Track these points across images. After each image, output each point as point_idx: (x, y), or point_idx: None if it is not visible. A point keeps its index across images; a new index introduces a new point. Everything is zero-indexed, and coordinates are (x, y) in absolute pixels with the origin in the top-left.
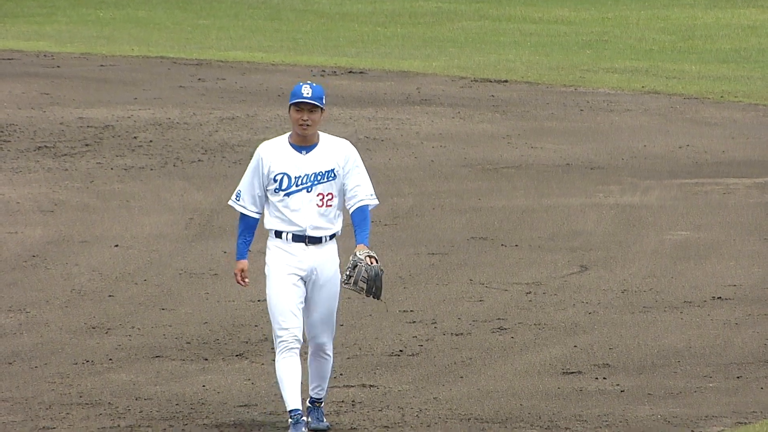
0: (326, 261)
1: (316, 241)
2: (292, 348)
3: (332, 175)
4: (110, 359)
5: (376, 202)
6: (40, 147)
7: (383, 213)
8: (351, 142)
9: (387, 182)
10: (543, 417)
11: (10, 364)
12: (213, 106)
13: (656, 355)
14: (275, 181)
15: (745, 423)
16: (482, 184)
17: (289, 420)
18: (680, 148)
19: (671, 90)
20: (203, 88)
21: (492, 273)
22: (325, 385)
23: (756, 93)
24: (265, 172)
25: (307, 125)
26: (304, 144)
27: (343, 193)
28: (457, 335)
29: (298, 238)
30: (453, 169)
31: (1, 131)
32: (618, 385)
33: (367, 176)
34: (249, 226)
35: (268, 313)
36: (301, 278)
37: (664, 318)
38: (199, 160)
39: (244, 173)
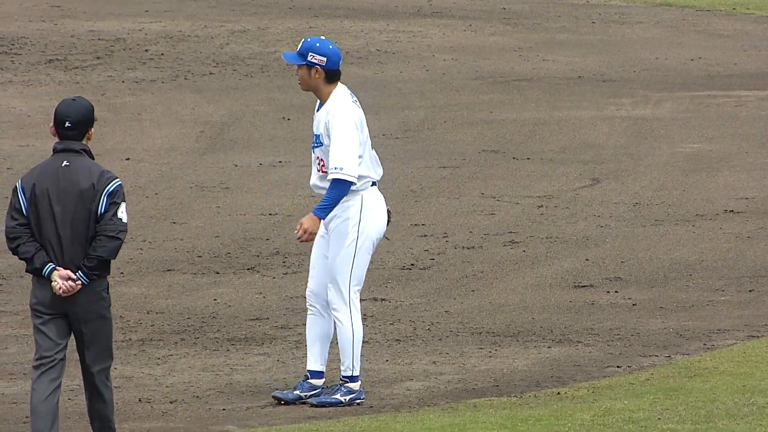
0: (333, 219)
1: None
2: (309, 305)
3: (319, 141)
4: (121, 273)
5: (340, 176)
6: (50, 60)
7: (394, 126)
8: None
9: (398, 95)
10: (554, 330)
11: (22, 277)
12: (224, 18)
13: (668, 268)
14: None
15: (758, 336)
16: (493, 96)
17: None
18: (692, 60)
19: (683, 2)
20: (214, 0)
21: (503, 186)
22: (344, 360)
23: None
24: None
25: (298, 83)
26: (320, 101)
27: None
28: (468, 249)
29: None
30: (464, 82)
31: (12, 44)
32: (630, 298)
33: (341, 146)
34: None
35: (278, 227)
36: (323, 235)
37: (675, 231)
38: (210, 73)
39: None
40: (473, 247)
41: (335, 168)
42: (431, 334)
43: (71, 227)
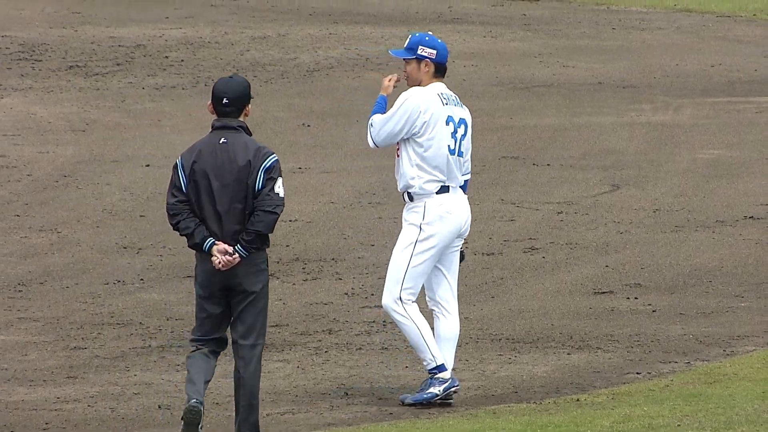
0: (404, 219)
1: (403, 199)
2: (431, 309)
3: None
4: (141, 279)
5: (368, 128)
6: (71, 66)
7: None
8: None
9: None
10: (574, 336)
11: (42, 284)
12: (244, 25)
13: (688, 274)
14: None
15: None
16: (514, 102)
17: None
18: (712, 66)
19: (704, 8)
20: (235, 6)
21: (523, 192)
22: (423, 356)
23: None
24: None
25: (405, 78)
26: None
27: (412, 149)
28: (488, 255)
29: None
30: (484, 88)
31: (33, 50)
32: (650, 304)
33: (387, 114)
34: None
35: (298, 233)
36: None
37: (695, 237)
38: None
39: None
40: (493, 254)
41: (372, 123)
42: None
43: (229, 202)
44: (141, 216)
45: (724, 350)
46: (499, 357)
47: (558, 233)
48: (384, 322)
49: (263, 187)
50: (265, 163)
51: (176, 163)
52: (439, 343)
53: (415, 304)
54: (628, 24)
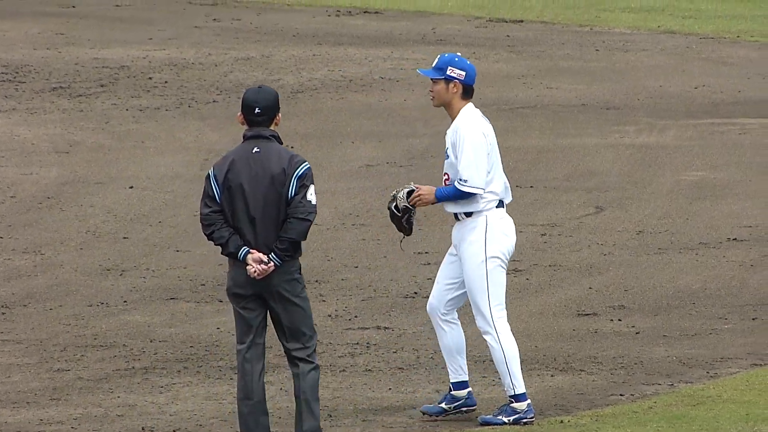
0: (463, 239)
1: (456, 216)
2: (430, 318)
3: (446, 155)
4: (125, 301)
5: (464, 188)
6: (55, 88)
7: (399, 154)
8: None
9: (402, 123)
10: (558, 359)
11: (25, 306)
12: (228, 46)
13: (672, 296)
14: None
15: (761, 364)
16: (497, 124)
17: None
18: (696, 88)
19: (687, 29)
20: (218, 28)
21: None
22: (503, 380)
23: None
24: None
25: (431, 98)
26: (451, 117)
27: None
28: None
29: None
30: None
31: (17, 72)
32: (633, 326)
33: (468, 159)
34: None
35: None
36: (452, 254)
37: (679, 259)
38: (214, 101)
39: None
40: None
41: (461, 180)
42: (434, 362)
43: (263, 211)
44: (124, 238)
45: (708, 372)
46: (483, 379)
47: (542, 255)
48: (367, 344)
49: (296, 194)
50: (298, 170)
51: (208, 173)
52: (458, 353)
53: (505, 320)
54: (612, 45)
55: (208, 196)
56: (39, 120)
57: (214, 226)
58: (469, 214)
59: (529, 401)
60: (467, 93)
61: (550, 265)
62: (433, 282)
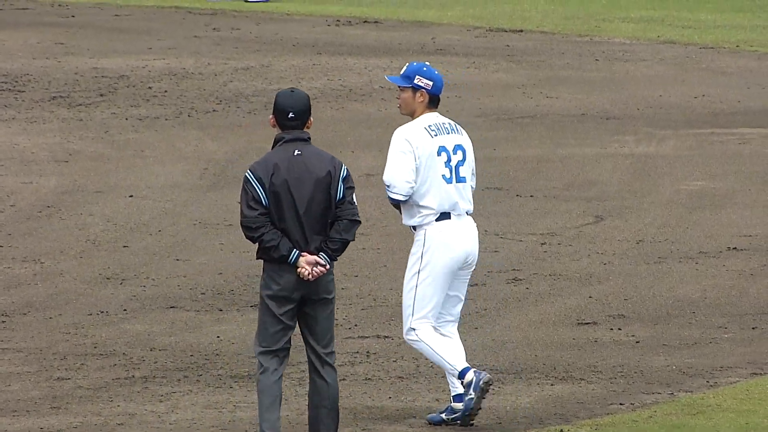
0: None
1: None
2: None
3: None
4: (125, 310)
5: (389, 193)
6: (54, 97)
7: None
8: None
9: None
10: (558, 368)
11: (25, 314)
12: (227, 56)
13: (671, 305)
14: None
15: (761, 374)
16: (497, 133)
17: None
18: (696, 97)
19: (687, 39)
20: (218, 37)
21: (507, 223)
22: (444, 367)
23: None
24: None
25: (398, 105)
26: None
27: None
28: (471, 286)
29: None
30: (468, 119)
31: (16, 81)
32: (633, 335)
33: (388, 165)
34: None
35: None
36: None
37: (679, 268)
38: (213, 110)
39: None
40: (476, 284)
41: (385, 184)
42: (434, 371)
43: (311, 213)
44: (124, 246)
45: (708, 381)
46: None
47: (541, 264)
48: (367, 352)
49: (344, 196)
50: (342, 172)
51: (248, 177)
52: (451, 356)
53: (426, 324)
54: (612, 55)
55: (253, 199)
56: (38, 129)
57: (264, 228)
58: (414, 228)
59: (472, 369)
60: (433, 102)
61: (549, 274)
62: None
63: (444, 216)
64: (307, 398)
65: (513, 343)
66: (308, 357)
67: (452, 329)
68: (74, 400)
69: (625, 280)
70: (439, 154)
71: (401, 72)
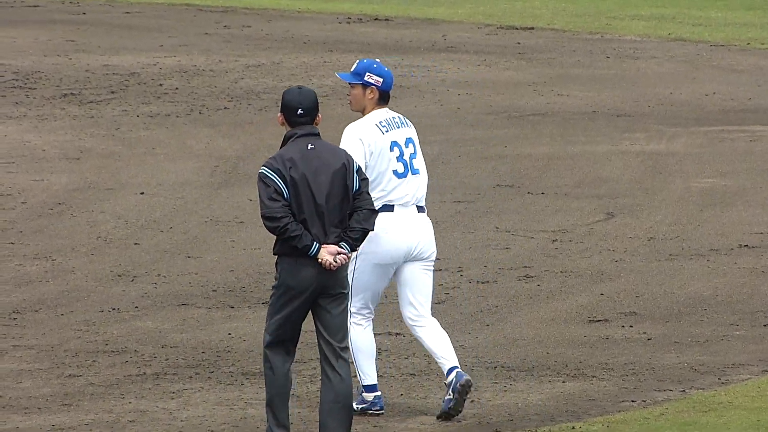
0: None
1: None
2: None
3: None
4: (136, 307)
5: None
6: (65, 94)
7: None
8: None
9: None
10: (569, 365)
11: (36, 311)
12: (238, 53)
13: (682, 303)
14: None
15: None
16: (508, 131)
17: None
18: (706, 95)
19: (697, 37)
20: (229, 35)
21: (518, 220)
22: (356, 370)
23: None
24: None
25: (349, 102)
26: None
27: None
28: (483, 283)
29: None
30: (479, 117)
31: (27, 79)
32: (644, 333)
33: None
34: None
35: None
36: None
37: (690, 266)
38: (224, 108)
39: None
40: (488, 282)
41: None
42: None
43: (329, 206)
44: (135, 244)
45: (719, 379)
46: (494, 385)
47: (553, 261)
48: (379, 350)
49: (360, 187)
50: (354, 164)
51: (265, 173)
52: (433, 350)
53: (360, 326)
54: (622, 53)
55: (275, 191)
56: (49, 126)
57: (287, 218)
58: None
59: (377, 393)
60: (383, 99)
61: (561, 272)
62: (444, 289)
63: (386, 208)
64: (318, 395)
65: (524, 340)
66: (321, 352)
67: (426, 322)
68: (85, 397)
69: (636, 278)
70: (391, 149)
71: (351, 69)
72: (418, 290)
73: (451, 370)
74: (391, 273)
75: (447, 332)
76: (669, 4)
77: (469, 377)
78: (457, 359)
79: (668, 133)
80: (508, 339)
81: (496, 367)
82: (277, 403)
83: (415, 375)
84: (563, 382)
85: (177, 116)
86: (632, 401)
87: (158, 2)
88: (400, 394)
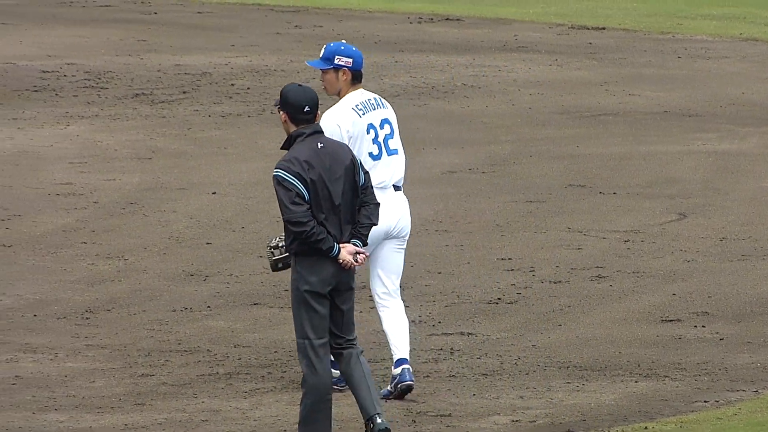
0: None
1: None
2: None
3: None
4: (208, 306)
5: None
6: (137, 94)
7: (480, 160)
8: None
9: (484, 129)
10: (642, 365)
11: (109, 311)
12: (309, 53)
13: (755, 303)
14: None
15: None
16: (579, 131)
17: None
18: None
19: None
20: (300, 35)
21: (589, 220)
22: None
23: None
24: None
25: (324, 88)
26: None
27: None
28: (555, 283)
29: None
30: (550, 116)
31: (99, 78)
32: (717, 333)
33: None
34: None
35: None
36: None
37: (762, 266)
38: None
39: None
40: (560, 282)
41: None
42: (518, 368)
43: (344, 203)
44: (207, 243)
45: None
46: (567, 385)
47: (624, 262)
48: (451, 349)
49: (365, 181)
50: (358, 158)
51: (283, 176)
52: (389, 335)
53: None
54: (694, 53)
55: (297, 195)
56: (121, 126)
57: (312, 222)
58: None
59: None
60: (356, 78)
61: (633, 272)
62: (516, 289)
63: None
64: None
65: (596, 340)
66: (331, 346)
67: (392, 303)
68: (158, 397)
69: (708, 278)
70: (368, 132)
71: (320, 55)
72: (389, 268)
73: (399, 362)
74: (370, 252)
75: (520, 332)
76: (739, 3)
77: (412, 383)
78: (408, 351)
79: (740, 132)
80: (581, 339)
81: (568, 366)
82: (318, 415)
83: (487, 375)
84: (636, 382)
85: (248, 116)
86: (705, 401)
87: (230, 2)
88: (472, 393)
